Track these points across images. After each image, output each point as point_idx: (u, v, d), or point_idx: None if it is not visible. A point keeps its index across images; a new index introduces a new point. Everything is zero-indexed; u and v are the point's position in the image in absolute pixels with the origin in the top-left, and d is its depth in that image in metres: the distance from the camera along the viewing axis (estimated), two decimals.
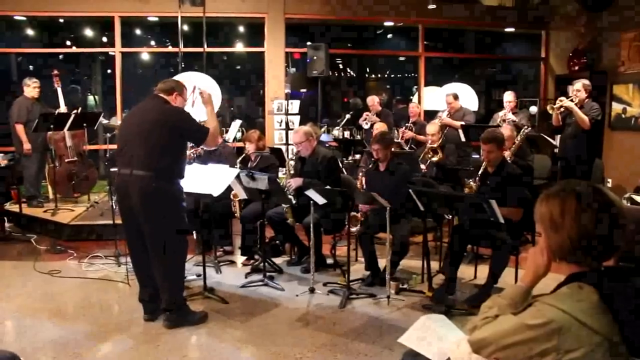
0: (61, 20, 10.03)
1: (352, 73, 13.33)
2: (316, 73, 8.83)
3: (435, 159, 6.64)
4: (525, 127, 6.51)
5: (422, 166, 6.69)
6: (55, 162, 7.58)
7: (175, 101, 4.20)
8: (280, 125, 8.30)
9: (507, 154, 5.58)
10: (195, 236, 6.00)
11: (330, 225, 5.36)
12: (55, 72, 7.75)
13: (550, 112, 6.60)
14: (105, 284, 5.19)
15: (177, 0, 8.34)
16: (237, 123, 7.69)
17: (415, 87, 10.86)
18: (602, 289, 1.57)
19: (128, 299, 4.71)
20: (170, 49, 10.29)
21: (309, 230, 5.02)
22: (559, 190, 1.68)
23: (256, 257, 5.78)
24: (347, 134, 9.08)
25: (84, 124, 7.40)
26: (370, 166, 5.38)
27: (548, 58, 10.55)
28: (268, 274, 5.18)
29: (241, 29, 10.92)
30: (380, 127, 7.25)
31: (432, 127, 6.89)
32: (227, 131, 7.65)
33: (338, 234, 5.71)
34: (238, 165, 5.79)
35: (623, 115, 8.47)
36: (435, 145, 6.70)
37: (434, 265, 5.24)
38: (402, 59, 12.68)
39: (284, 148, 7.73)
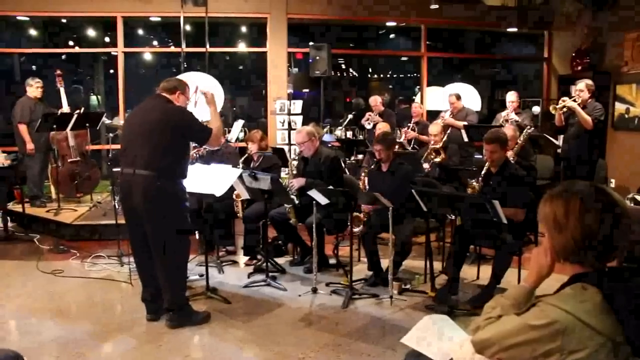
0: (64, 21, 10.04)
1: (354, 73, 13.33)
2: (318, 73, 8.83)
3: (437, 159, 6.64)
4: (528, 127, 6.50)
5: (426, 165, 6.66)
6: (58, 162, 7.59)
7: (178, 100, 4.20)
8: (283, 126, 8.30)
9: (509, 154, 5.57)
10: (197, 236, 6.00)
11: (332, 225, 5.36)
12: (58, 72, 7.76)
13: (553, 112, 6.59)
14: (108, 283, 5.20)
15: (179, 0, 8.34)
16: (239, 123, 7.70)
17: (418, 87, 10.86)
18: (605, 289, 1.56)
19: (131, 298, 4.71)
20: (172, 49, 10.30)
21: (311, 230, 5.01)
22: (563, 191, 1.67)
23: (259, 257, 5.78)
24: (349, 134, 9.08)
25: (87, 124, 7.40)
26: (373, 166, 5.38)
27: (551, 58, 10.53)
28: (270, 274, 5.18)
29: (243, 29, 10.92)
30: (382, 127, 7.25)
31: (434, 128, 6.88)
32: (229, 131, 7.65)
33: (341, 234, 5.70)
34: (241, 166, 5.79)
35: (626, 116, 8.46)
36: (437, 146, 6.69)
37: (437, 265, 5.24)
38: (404, 59, 12.67)
39: (286, 148, 7.72)
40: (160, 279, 4.14)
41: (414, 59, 11.29)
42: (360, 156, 7.76)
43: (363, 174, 5.64)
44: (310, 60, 8.92)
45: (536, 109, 8.37)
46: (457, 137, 7.26)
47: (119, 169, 4.15)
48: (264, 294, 4.91)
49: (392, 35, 12.13)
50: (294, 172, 5.70)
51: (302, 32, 10.53)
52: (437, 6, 9.12)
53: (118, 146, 4.61)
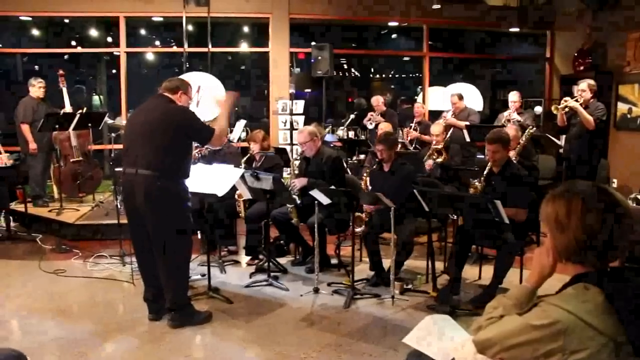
0: (66, 21, 10.05)
1: (356, 73, 13.32)
2: (320, 73, 8.83)
3: (439, 160, 6.63)
4: (530, 127, 6.49)
5: (430, 161, 6.66)
6: (61, 161, 7.60)
7: (180, 100, 4.20)
8: (285, 125, 8.30)
9: (512, 154, 5.56)
10: (199, 236, 6.00)
11: (334, 225, 5.36)
12: (61, 72, 7.77)
13: (555, 112, 6.59)
14: (110, 283, 5.20)
15: (181, 0, 8.35)
16: (241, 123, 7.70)
17: (420, 87, 10.86)
18: (607, 289, 1.56)
19: (133, 298, 4.72)
20: (174, 49, 10.31)
21: (313, 230, 5.02)
22: (565, 191, 1.67)
23: (260, 257, 5.79)
24: (351, 134, 9.08)
25: (89, 124, 7.40)
26: (375, 166, 5.38)
27: (553, 58, 10.52)
28: (272, 274, 5.19)
29: (246, 29, 10.93)
30: (385, 127, 7.25)
31: (436, 128, 6.88)
32: (231, 131, 7.65)
33: (342, 234, 5.71)
34: (243, 165, 5.79)
35: (628, 116, 8.44)
36: (439, 147, 6.68)
37: (439, 265, 5.23)
38: (406, 59, 12.67)
39: (288, 148, 7.73)
40: (163, 278, 4.15)
41: (415, 59, 11.28)
42: (362, 156, 7.76)
43: (365, 174, 5.65)
44: (312, 60, 8.93)
45: (538, 109, 8.36)
46: (459, 137, 7.26)
47: (121, 169, 4.16)
48: (265, 294, 4.91)
49: (394, 35, 12.12)
50: (296, 172, 5.71)
51: (304, 32, 10.53)
52: (439, 6, 9.12)
53: (120, 146, 4.61)
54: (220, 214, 5.75)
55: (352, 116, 8.99)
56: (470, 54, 11.47)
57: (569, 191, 1.66)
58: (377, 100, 8.72)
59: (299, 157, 5.89)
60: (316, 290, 4.90)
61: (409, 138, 8.03)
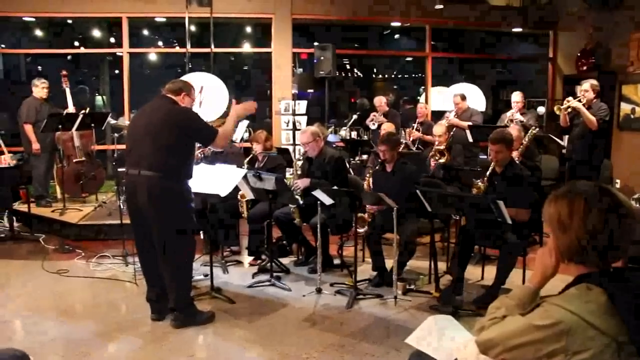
0: (69, 21, 10.08)
1: (359, 73, 13.33)
2: (323, 73, 8.83)
3: (442, 160, 6.62)
4: (533, 127, 6.49)
5: (433, 162, 6.66)
6: (64, 162, 7.61)
7: (183, 101, 4.21)
8: (288, 126, 8.31)
9: (514, 154, 5.56)
10: (202, 236, 6.01)
11: (337, 225, 5.36)
12: (64, 72, 7.79)
13: (558, 112, 6.58)
14: (113, 283, 5.21)
15: (184, 0, 8.36)
16: (244, 123, 7.70)
17: (422, 87, 10.85)
18: (610, 290, 1.56)
19: (135, 298, 4.72)
20: (177, 49, 10.33)
21: (316, 230, 5.02)
22: (567, 191, 1.67)
23: (263, 257, 5.78)
24: (354, 134, 9.08)
25: (92, 124, 7.43)
26: (377, 167, 5.37)
27: (556, 58, 10.51)
28: (275, 274, 5.18)
29: (248, 29, 10.94)
30: (388, 127, 7.25)
31: (439, 128, 6.86)
32: (234, 131, 7.66)
33: (345, 235, 5.70)
34: (245, 166, 5.79)
35: (632, 116, 8.43)
36: (442, 147, 6.67)
37: (441, 265, 5.23)
38: (409, 59, 12.67)
39: (291, 148, 7.73)
40: (165, 278, 4.15)
41: (418, 59, 11.28)
42: (364, 156, 7.76)
43: (368, 175, 5.65)
44: (315, 61, 8.93)
45: (541, 109, 8.36)
46: (462, 137, 7.25)
47: (124, 169, 4.17)
48: (268, 294, 4.91)
49: (396, 36, 12.13)
50: (299, 172, 5.70)
51: (306, 32, 10.54)
52: (441, 6, 9.11)
53: (123, 146, 4.63)
54: (223, 214, 5.75)
55: (354, 116, 8.99)
56: (472, 54, 11.47)
57: (571, 191, 1.66)
58: (380, 101, 8.72)
59: (301, 158, 5.89)
60: (319, 291, 4.90)
61: (411, 138, 8.03)
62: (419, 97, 11.10)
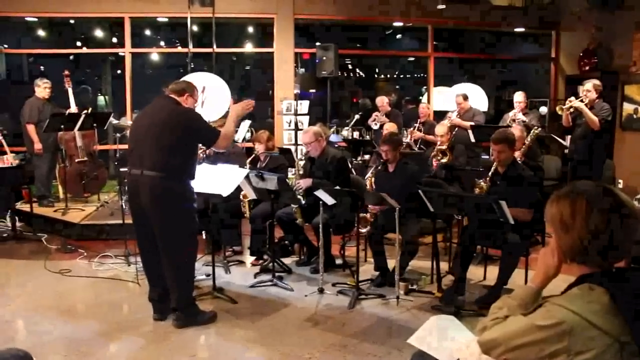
0: (72, 21, 10.09)
1: (361, 73, 13.32)
2: (325, 73, 8.83)
3: (444, 160, 6.62)
4: (536, 127, 6.47)
5: (435, 162, 6.65)
6: (66, 162, 7.63)
7: (186, 102, 4.21)
8: (290, 126, 8.31)
9: (517, 154, 5.55)
10: (204, 236, 6.01)
11: (339, 225, 5.36)
12: (66, 72, 7.80)
13: (560, 112, 6.57)
14: (115, 283, 5.22)
15: (186, 0, 8.37)
16: (246, 123, 7.71)
17: (425, 87, 10.84)
18: (612, 290, 1.56)
19: (138, 298, 4.73)
20: (179, 49, 10.33)
21: (318, 230, 5.02)
22: (570, 191, 1.67)
23: (265, 257, 5.79)
24: (356, 134, 9.06)
25: (94, 124, 7.44)
26: (380, 167, 5.37)
27: (558, 58, 10.49)
28: (277, 274, 5.19)
29: (250, 29, 10.94)
30: (390, 127, 7.25)
31: (441, 128, 6.85)
32: (236, 131, 7.65)
33: (347, 235, 5.70)
34: (247, 166, 5.80)
35: (634, 116, 8.41)
36: (444, 147, 6.67)
37: (444, 266, 5.22)
38: (411, 59, 12.66)
39: (293, 148, 7.73)
40: (168, 278, 4.15)
41: (420, 59, 11.27)
42: (367, 156, 7.76)
43: (370, 175, 5.65)
44: (317, 61, 8.93)
45: (543, 110, 8.33)
46: (464, 137, 7.25)
47: (126, 169, 4.17)
48: (270, 294, 4.91)
49: (398, 36, 12.12)
50: (301, 172, 5.71)
51: (308, 32, 10.54)
52: (444, 6, 9.10)
53: (125, 146, 4.63)
54: (225, 214, 5.75)
55: (356, 116, 8.98)
56: (475, 54, 11.45)
57: (573, 191, 1.66)
58: (382, 101, 8.71)
59: (303, 158, 5.89)
60: (321, 291, 4.90)
61: (412, 138, 8.02)
62: (421, 97, 11.08)
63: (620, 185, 8.17)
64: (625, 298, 1.53)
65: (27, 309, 4.55)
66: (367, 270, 5.37)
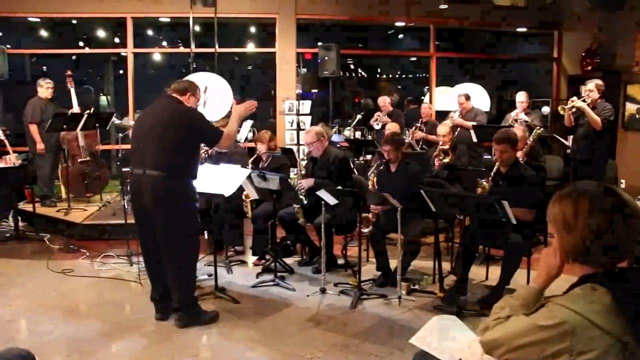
0: (74, 22, 10.10)
1: (363, 73, 13.32)
2: (327, 73, 8.83)
3: (446, 160, 6.61)
4: (538, 127, 6.47)
5: (437, 162, 6.65)
6: (68, 161, 7.64)
7: (188, 101, 4.21)
8: (292, 126, 8.31)
9: (519, 154, 5.54)
10: (206, 236, 6.02)
11: (341, 225, 5.35)
12: (69, 72, 7.81)
13: (562, 112, 6.56)
14: (117, 283, 5.22)
15: (188, 1, 8.38)
16: (248, 123, 7.71)
17: (427, 87, 10.84)
18: (614, 290, 1.56)
19: (140, 298, 4.73)
20: (181, 49, 10.33)
21: (320, 230, 5.02)
22: (572, 191, 1.67)
23: (267, 257, 5.79)
24: (358, 134, 9.07)
25: (97, 124, 7.44)
26: (382, 167, 5.37)
27: (560, 58, 10.48)
28: (279, 274, 5.19)
29: (252, 29, 10.94)
30: (392, 127, 7.25)
31: (443, 128, 6.85)
32: (238, 131, 7.66)
33: (349, 235, 5.70)
34: (250, 166, 5.80)
35: (637, 116, 8.40)
36: (446, 147, 6.66)
37: (446, 266, 5.22)
38: (413, 59, 12.65)
39: (295, 148, 7.73)
40: (170, 278, 4.16)
41: (422, 59, 11.26)
42: (369, 156, 7.75)
43: (372, 175, 5.65)
44: (319, 61, 8.93)
45: (546, 109, 8.33)
46: (466, 137, 7.24)
47: (128, 169, 4.17)
48: (272, 294, 4.92)
49: (400, 36, 12.11)
50: (303, 172, 5.71)
51: (310, 32, 10.54)
52: (446, 6, 9.10)
53: (128, 146, 4.63)
54: (227, 214, 5.75)
55: (359, 116, 8.98)
56: (477, 54, 11.44)
57: (576, 191, 1.66)
58: (384, 101, 8.71)
59: (305, 158, 5.89)
60: (323, 291, 4.90)
61: (414, 138, 8.02)
62: (423, 97, 11.08)
63: (623, 185, 8.17)
64: (627, 298, 1.53)
65: (29, 309, 4.56)
66: (369, 270, 5.37)
